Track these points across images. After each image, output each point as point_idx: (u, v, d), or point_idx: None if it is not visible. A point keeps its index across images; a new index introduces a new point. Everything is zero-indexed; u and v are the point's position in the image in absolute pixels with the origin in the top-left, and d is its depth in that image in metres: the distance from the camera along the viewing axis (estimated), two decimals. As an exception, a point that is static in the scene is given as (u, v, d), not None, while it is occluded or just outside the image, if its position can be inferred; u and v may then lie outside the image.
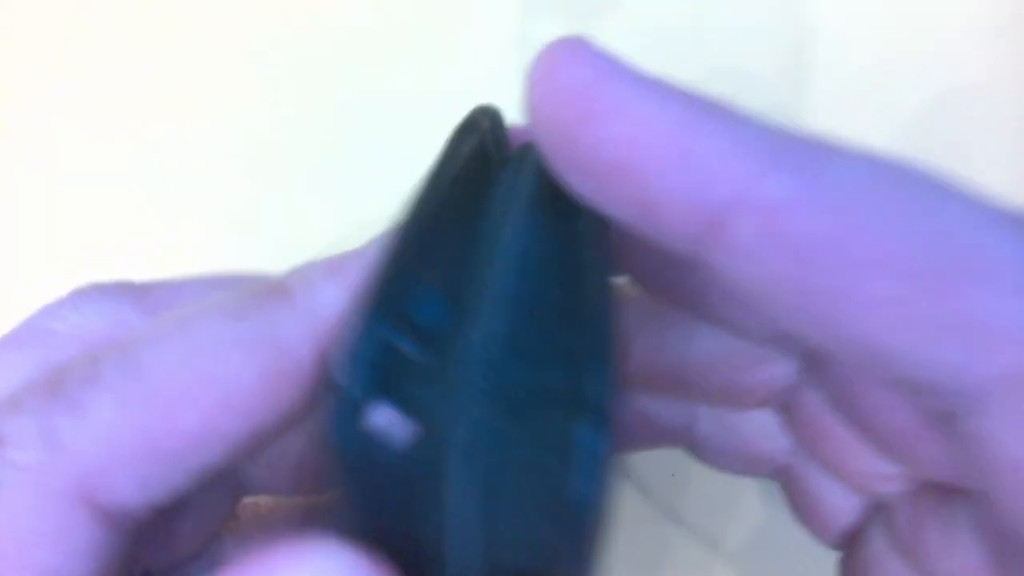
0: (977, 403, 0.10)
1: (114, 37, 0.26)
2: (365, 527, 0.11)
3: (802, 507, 0.17)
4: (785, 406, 0.17)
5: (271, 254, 0.24)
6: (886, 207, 0.10)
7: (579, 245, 0.13)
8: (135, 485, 0.11)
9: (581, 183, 0.11)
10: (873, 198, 0.10)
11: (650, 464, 0.23)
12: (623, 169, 0.11)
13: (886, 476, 0.16)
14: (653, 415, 0.17)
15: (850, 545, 0.17)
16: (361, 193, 0.24)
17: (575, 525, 0.11)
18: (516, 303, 0.12)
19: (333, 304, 0.12)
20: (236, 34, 0.26)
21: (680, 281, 0.15)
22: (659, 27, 0.25)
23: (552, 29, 0.25)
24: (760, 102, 0.25)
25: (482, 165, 0.14)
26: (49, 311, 0.13)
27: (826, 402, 0.16)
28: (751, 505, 0.18)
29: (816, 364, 0.15)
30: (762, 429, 0.17)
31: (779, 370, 0.16)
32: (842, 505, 0.17)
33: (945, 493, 0.15)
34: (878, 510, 0.16)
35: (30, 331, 0.13)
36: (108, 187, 0.25)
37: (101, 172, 0.25)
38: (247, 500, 0.17)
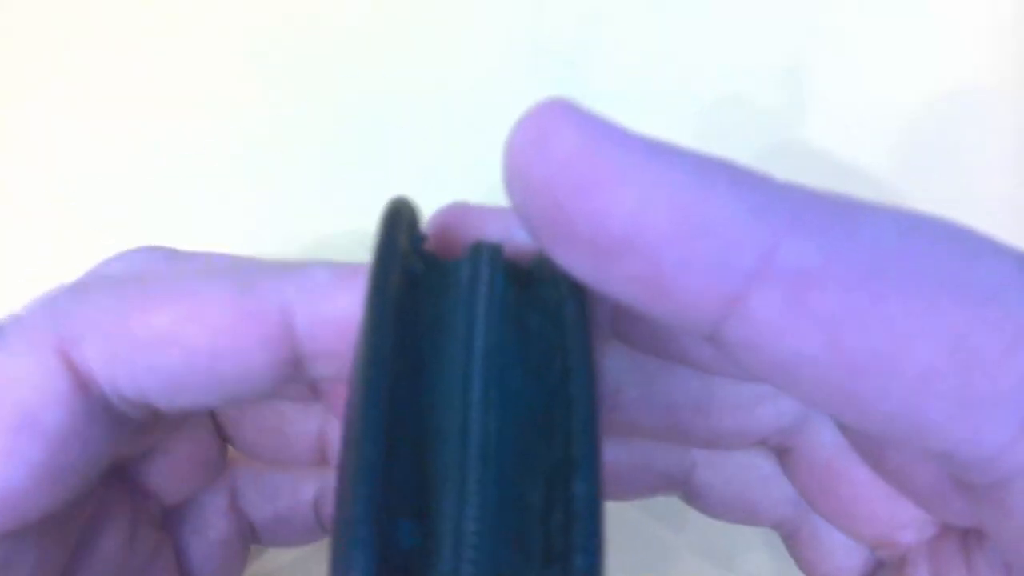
0: (1012, 478, 0.10)
1: (114, 37, 0.26)
2: None
3: (805, 561, 0.17)
4: (785, 448, 0.16)
5: (271, 253, 0.24)
6: (922, 271, 0.09)
7: (556, 351, 0.12)
8: (104, 356, 0.13)
9: (577, 262, 0.10)
10: (907, 261, 0.09)
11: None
12: (627, 244, 0.10)
13: (906, 523, 0.15)
14: (650, 462, 0.17)
15: None
16: (361, 192, 0.24)
17: None
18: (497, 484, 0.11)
19: (321, 277, 0.13)
20: (236, 34, 0.26)
21: (659, 332, 0.14)
22: (658, 27, 0.25)
23: (554, 29, 0.25)
24: (761, 101, 0.25)
25: (412, 301, 0.12)
26: (105, 262, 0.15)
27: (840, 446, 0.15)
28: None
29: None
30: (762, 478, 0.16)
31: (775, 410, 0.15)
32: (847, 562, 0.16)
33: (967, 536, 0.14)
34: (884, 568, 0.16)
35: (88, 275, 0.15)
36: (108, 187, 0.25)
37: (101, 172, 0.25)
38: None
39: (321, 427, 0.18)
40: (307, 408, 0.18)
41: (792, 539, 0.17)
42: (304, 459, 0.18)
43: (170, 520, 0.17)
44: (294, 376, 0.13)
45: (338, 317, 0.13)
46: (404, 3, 0.26)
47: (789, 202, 0.09)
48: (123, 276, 0.14)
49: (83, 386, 0.13)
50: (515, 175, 0.10)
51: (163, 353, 0.12)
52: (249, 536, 0.19)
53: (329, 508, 0.18)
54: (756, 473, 0.16)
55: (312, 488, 0.18)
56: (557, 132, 0.10)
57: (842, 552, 0.16)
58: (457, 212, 0.14)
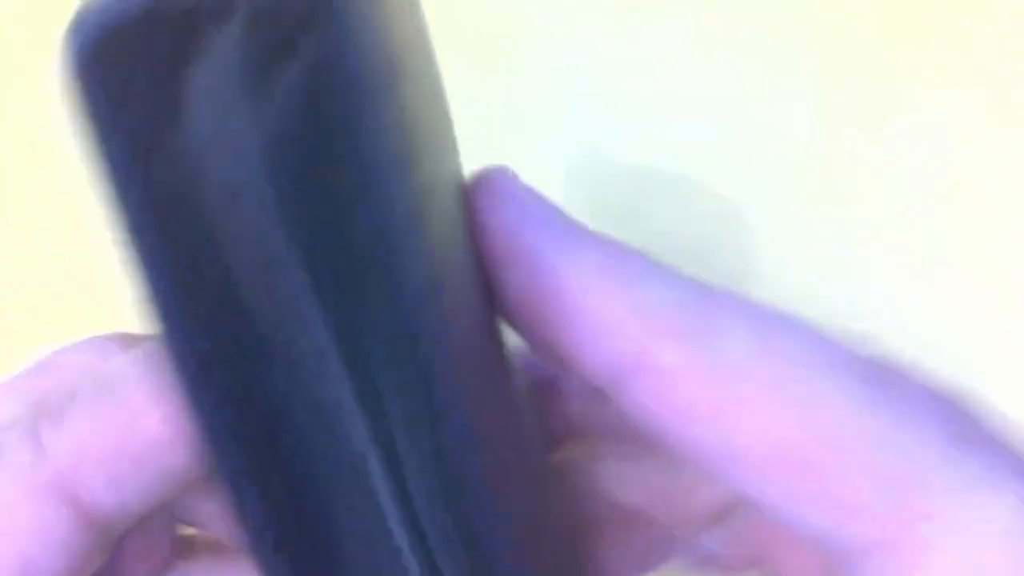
0: (857, 558, 0.11)
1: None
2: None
3: None
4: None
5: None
6: (764, 380, 0.11)
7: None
8: (108, 484, 0.12)
9: (511, 318, 0.12)
10: (754, 370, 0.11)
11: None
12: (537, 318, 0.12)
13: None
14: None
15: None
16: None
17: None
18: None
19: None
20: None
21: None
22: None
23: (545, 27, 0.25)
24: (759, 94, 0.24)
25: None
26: (60, 350, 0.15)
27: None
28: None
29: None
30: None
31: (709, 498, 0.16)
32: None
33: None
34: None
35: (43, 364, 0.15)
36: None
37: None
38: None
39: None
40: None
41: None
42: None
43: None
44: None
45: None
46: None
47: (668, 301, 0.11)
48: (89, 385, 0.13)
49: (87, 520, 0.12)
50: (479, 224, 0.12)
51: (166, 457, 0.12)
52: None
53: None
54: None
55: None
56: (495, 204, 0.12)
57: None
58: None
